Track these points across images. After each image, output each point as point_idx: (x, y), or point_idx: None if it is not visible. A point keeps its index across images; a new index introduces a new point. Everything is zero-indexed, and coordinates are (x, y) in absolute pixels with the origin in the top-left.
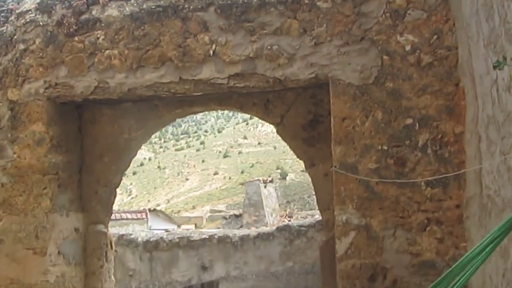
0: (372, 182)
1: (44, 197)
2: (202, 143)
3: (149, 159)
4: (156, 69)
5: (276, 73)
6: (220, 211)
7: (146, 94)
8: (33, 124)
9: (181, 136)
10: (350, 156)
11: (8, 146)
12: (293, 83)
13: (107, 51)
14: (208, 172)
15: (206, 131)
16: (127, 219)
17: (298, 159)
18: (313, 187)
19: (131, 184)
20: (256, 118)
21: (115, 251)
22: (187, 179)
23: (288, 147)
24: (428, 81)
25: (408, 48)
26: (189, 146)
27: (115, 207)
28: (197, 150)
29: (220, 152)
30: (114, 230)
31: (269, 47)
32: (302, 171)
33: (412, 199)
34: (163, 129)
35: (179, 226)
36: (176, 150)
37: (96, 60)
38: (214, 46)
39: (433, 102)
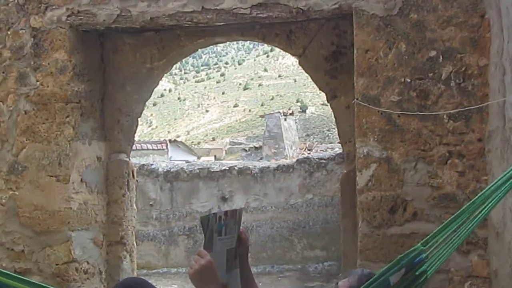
0: (394, 115)
1: (67, 125)
2: (222, 75)
3: (170, 90)
4: None
5: (300, 3)
6: (240, 143)
7: (168, 24)
8: (56, 52)
9: (202, 68)
10: (373, 88)
11: (31, 73)
12: (316, 14)
13: None
14: (228, 104)
15: (226, 63)
16: (147, 149)
17: (318, 92)
18: (334, 120)
19: (151, 115)
20: (277, 50)
21: (137, 180)
22: (207, 111)
23: (308, 80)
24: (453, 12)
25: None
26: (209, 78)
27: (136, 137)
28: (217, 82)
29: (240, 84)
30: (135, 160)
31: None
32: (323, 104)
33: (434, 132)
34: (184, 60)
35: (199, 157)
36: (196, 81)
37: None
38: None
39: (457, 34)
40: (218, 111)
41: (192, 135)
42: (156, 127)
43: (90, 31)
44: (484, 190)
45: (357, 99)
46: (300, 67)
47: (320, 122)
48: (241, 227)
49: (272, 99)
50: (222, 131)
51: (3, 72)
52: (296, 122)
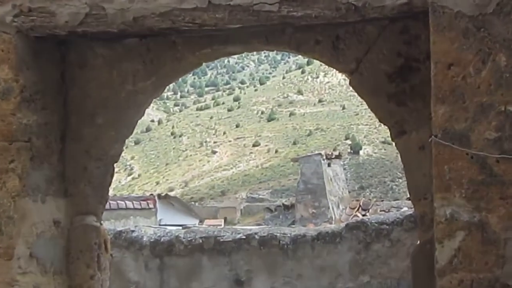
0: (491, 159)
1: (11, 174)
2: (236, 99)
3: (160, 122)
4: None
5: None
6: (262, 200)
7: (160, 26)
8: None
9: (206, 90)
10: (459, 120)
11: None
12: (376, 12)
13: None
14: (245, 143)
15: (242, 83)
16: (127, 209)
17: (377, 126)
18: (402, 166)
19: (133, 158)
20: (316, 64)
21: (111, 255)
22: (213, 152)
23: (363, 108)
24: None
25: None
26: (218, 104)
27: (111, 191)
28: (229, 110)
29: (262, 113)
30: (109, 225)
31: None
32: (384, 143)
33: None
34: (181, 79)
35: (202, 221)
36: (199, 109)
37: None
38: None
39: None
40: (230, 152)
41: (192, 188)
42: (140, 176)
43: (47, 37)
44: None
45: (436, 136)
46: (351, 89)
47: (380, 169)
48: None
49: (309, 134)
50: (236, 182)
51: None
52: (345, 169)
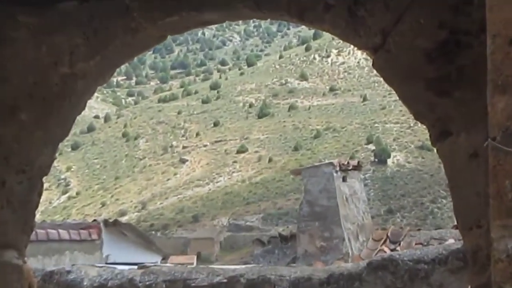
0: None
1: None
2: (214, 87)
3: (107, 119)
4: None
5: None
6: (250, 228)
7: None
8: None
9: (172, 73)
10: None
11: None
12: None
13: None
14: (227, 148)
15: (223, 64)
16: (61, 240)
17: (412, 124)
18: (446, 181)
19: (69, 169)
20: (326, 38)
21: None
22: (183, 161)
23: (392, 99)
24: None
25: None
26: (188, 94)
27: (38, 215)
28: (204, 102)
29: (251, 106)
30: (36, 262)
31: None
32: (421, 147)
33: None
34: (137, 59)
35: (166, 257)
36: (161, 101)
37: None
38: None
39: None
40: (206, 161)
41: (153, 212)
42: (79, 194)
43: None
44: None
45: (494, 139)
46: (375, 73)
47: (415, 185)
48: None
49: (316, 136)
50: (214, 203)
51: None
52: (366, 185)
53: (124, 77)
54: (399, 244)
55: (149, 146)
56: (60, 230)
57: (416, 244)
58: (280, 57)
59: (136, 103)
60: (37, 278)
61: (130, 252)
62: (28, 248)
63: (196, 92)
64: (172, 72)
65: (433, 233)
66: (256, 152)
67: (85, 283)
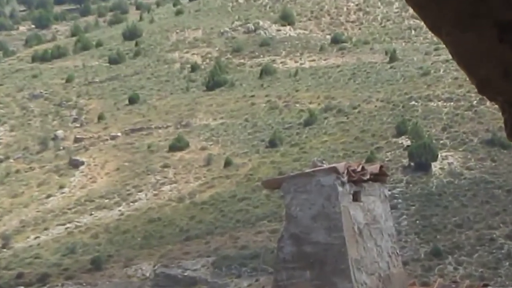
0: None
1: None
2: (130, 35)
3: None
4: None
5: None
6: (192, 282)
7: None
8: None
9: (57, 11)
10: None
11: None
12: None
13: None
14: (151, 140)
15: (137, 7)
16: None
17: (476, 99)
18: None
19: None
20: None
21: None
22: (74, 166)
23: (441, 57)
24: None
25: None
26: (86, 48)
27: None
28: (112, 62)
29: (193, 68)
30: None
31: None
32: (489, 142)
33: None
34: None
35: None
36: (38, 59)
37: None
38: None
39: None
40: (115, 164)
41: (21, 253)
42: None
43: None
44: None
45: None
46: (411, 12)
47: (479, 208)
48: None
49: (307, 122)
50: (129, 237)
51: None
52: (395, 207)
53: None
54: None
55: (15, 138)
56: None
57: None
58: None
59: None
60: None
61: None
62: None
63: (99, 45)
64: (58, 9)
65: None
66: (203, 149)
67: None
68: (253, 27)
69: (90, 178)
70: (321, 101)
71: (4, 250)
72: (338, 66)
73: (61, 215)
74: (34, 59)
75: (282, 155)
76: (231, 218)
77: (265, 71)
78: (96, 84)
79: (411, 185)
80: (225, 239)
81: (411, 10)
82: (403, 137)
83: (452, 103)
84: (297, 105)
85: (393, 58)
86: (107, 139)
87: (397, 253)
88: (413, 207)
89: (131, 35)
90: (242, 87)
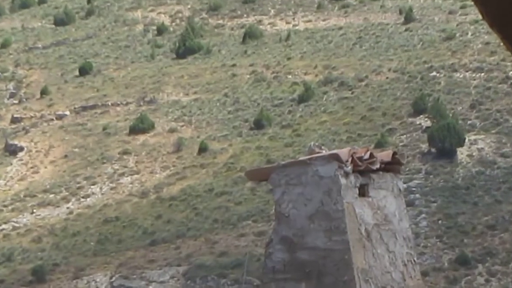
0: None
1: None
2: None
3: None
4: None
5: None
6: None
7: None
8: None
9: None
10: None
11: None
12: None
13: None
14: (106, 120)
15: None
16: None
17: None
18: None
19: None
20: None
21: None
22: (11, 153)
23: (468, 16)
24: None
25: None
26: (26, 5)
27: None
28: (58, 23)
29: (159, 31)
30: None
31: None
32: None
33: None
34: None
35: None
36: None
37: None
38: None
39: None
40: (62, 150)
41: None
42: None
43: None
44: None
45: None
46: None
47: None
48: None
49: (302, 98)
50: (79, 242)
51: None
52: (412, 203)
53: None
54: None
55: None
56: None
57: None
58: None
59: None
60: None
61: None
62: None
63: (42, 2)
64: None
65: None
66: (172, 131)
67: None
68: None
69: (31, 168)
70: (319, 72)
71: None
72: (340, 28)
73: None
74: None
75: (271, 139)
76: (207, 218)
77: (249, 35)
78: (39, 51)
79: (431, 177)
80: (200, 244)
81: None
82: (421, 116)
83: (482, 74)
84: (289, 76)
85: (409, 18)
86: (52, 119)
87: (414, 261)
88: (434, 204)
89: None
90: (220, 54)
